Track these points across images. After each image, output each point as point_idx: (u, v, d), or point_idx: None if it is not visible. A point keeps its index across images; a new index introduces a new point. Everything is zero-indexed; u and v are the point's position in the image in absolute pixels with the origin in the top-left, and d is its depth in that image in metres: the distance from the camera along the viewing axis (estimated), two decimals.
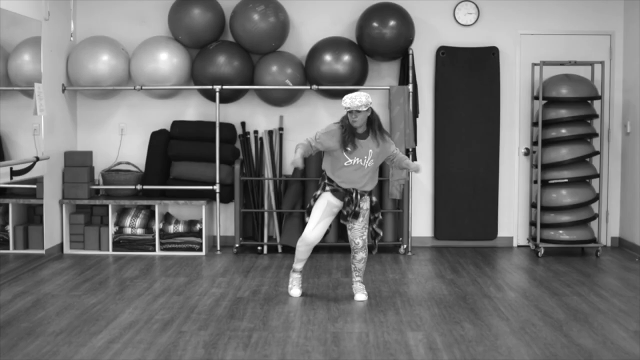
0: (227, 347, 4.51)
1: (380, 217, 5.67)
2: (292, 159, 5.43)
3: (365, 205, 5.56)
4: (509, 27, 7.88)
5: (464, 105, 7.78)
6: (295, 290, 5.77)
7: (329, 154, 5.52)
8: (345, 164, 5.44)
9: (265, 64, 7.52)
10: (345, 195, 5.47)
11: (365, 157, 5.44)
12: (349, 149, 5.40)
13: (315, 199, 5.59)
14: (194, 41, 7.56)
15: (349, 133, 5.41)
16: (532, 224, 7.71)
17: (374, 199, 5.63)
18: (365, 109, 5.32)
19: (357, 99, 5.30)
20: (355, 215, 5.49)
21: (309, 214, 5.60)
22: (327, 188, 5.52)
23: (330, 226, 5.64)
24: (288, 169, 7.80)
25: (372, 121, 5.45)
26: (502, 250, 7.74)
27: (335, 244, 7.52)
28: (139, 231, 7.49)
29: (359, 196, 5.48)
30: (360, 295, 5.67)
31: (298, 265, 5.76)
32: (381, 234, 5.68)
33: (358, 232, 5.57)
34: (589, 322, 5.08)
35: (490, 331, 4.87)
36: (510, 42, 7.88)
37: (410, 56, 7.45)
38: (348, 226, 5.60)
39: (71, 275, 6.46)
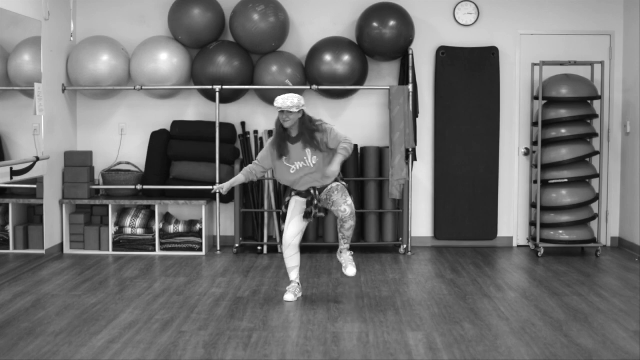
0: (227, 347, 4.51)
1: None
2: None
3: (334, 185, 5.45)
4: (509, 27, 7.88)
5: (464, 105, 7.78)
6: (288, 295, 5.63)
7: (276, 168, 5.52)
8: (291, 171, 5.44)
9: (265, 64, 7.52)
10: (308, 195, 5.47)
11: (305, 158, 5.41)
12: (285, 156, 5.41)
13: (286, 206, 5.59)
14: (194, 41, 7.56)
15: (281, 139, 5.40)
16: (532, 224, 7.71)
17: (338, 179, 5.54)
18: (296, 110, 5.30)
19: (288, 100, 5.28)
20: (324, 210, 5.55)
21: (284, 220, 5.59)
22: (293, 193, 5.54)
23: (307, 227, 5.65)
24: None
25: (303, 123, 5.40)
26: (502, 250, 7.74)
27: (335, 244, 7.51)
28: (139, 231, 7.49)
29: (317, 192, 5.46)
30: (351, 270, 5.49)
31: (292, 274, 5.66)
32: (324, 215, 5.62)
33: (341, 200, 5.40)
34: (589, 322, 5.08)
35: (490, 331, 4.87)
36: (510, 42, 7.88)
37: (410, 56, 7.45)
38: (329, 206, 5.48)
39: (71, 275, 6.46)
